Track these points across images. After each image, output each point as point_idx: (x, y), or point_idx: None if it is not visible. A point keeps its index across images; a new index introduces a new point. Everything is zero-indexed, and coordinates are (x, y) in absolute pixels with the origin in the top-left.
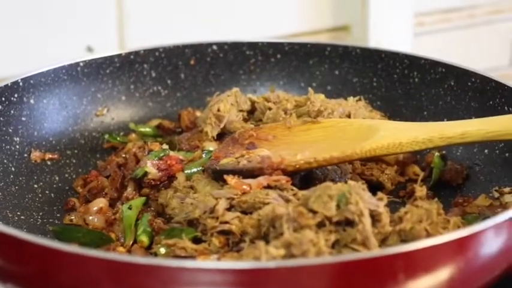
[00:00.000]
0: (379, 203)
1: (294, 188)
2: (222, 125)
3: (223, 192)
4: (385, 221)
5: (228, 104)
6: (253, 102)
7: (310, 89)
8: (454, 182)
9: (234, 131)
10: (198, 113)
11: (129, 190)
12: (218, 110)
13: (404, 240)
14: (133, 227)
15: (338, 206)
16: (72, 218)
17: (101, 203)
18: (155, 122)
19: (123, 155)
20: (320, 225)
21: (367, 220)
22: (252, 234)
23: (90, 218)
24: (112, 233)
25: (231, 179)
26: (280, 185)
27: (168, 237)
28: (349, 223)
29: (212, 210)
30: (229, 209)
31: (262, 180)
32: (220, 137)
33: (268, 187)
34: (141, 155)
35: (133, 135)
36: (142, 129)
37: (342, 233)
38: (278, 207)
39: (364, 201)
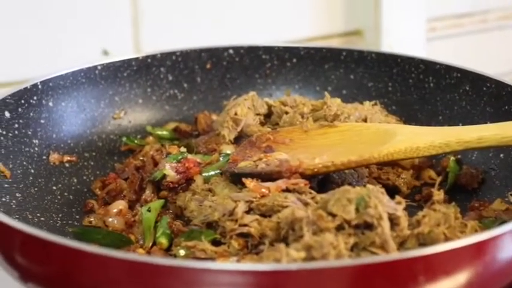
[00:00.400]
0: (398, 207)
1: (312, 191)
2: (239, 129)
3: (242, 195)
4: (403, 225)
5: (245, 108)
6: (270, 106)
7: (326, 93)
8: (470, 186)
9: (251, 135)
10: (214, 117)
11: (148, 192)
12: (235, 114)
13: (422, 244)
14: (152, 229)
15: (357, 210)
16: (91, 219)
17: (120, 205)
18: (172, 125)
19: (141, 158)
20: (339, 228)
21: (386, 223)
22: (271, 237)
23: (110, 219)
24: (131, 234)
25: (249, 182)
26: (299, 188)
27: (187, 239)
28: (368, 226)
29: (231, 213)
30: (248, 211)
31: (281, 183)
32: (237, 140)
33: (287, 190)
34: (159, 158)
35: (150, 138)
36: (159, 132)
37: (360, 236)
38: (298, 210)
39: (383, 205)
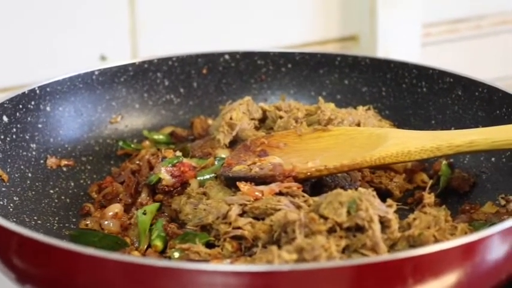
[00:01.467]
0: (389, 210)
1: (305, 194)
2: (234, 133)
3: (235, 199)
4: (394, 227)
5: (240, 113)
6: (264, 111)
7: (320, 98)
8: (461, 189)
9: (246, 139)
10: (210, 121)
11: (143, 196)
12: (231, 118)
13: (412, 246)
14: (147, 231)
15: (348, 213)
16: (87, 222)
17: (116, 208)
18: (168, 130)
19: (137, 162)
20: (331, 231)
21: (376, 226)
22: (264, 240)
23: (106, 222)
24: (127, 237)
25: (243, 186)
26: (292, 191)
27: (182, 242)
28: (359, 229)
29: (225, 216)
30: (242, 214)
31: (274, 187)
32: (232, 144)
33: (280, 194)
34: (154, 162)
35: (146, 143)
36: (155, 137)
37: (352, 238)
38: (290, 213)
39: (374, 208)
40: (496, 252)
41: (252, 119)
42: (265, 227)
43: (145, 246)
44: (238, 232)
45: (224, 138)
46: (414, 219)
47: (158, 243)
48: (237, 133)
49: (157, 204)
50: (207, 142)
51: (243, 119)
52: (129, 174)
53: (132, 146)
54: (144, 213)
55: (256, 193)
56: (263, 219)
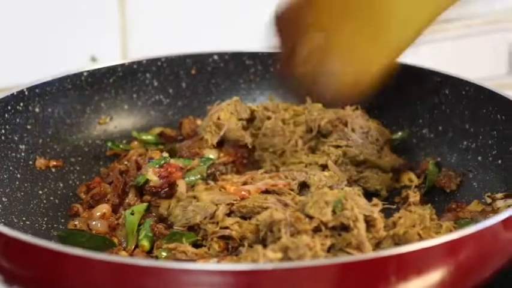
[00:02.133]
0: (374, 209)
1: (292, 192)
2: (221, 133)
3: (222, 198)
4: (379, 226)
5: (228, 113)
6: (252, 111)
7: (308, 98)
8: (448, 188)
9: (234, 139)
10: (198, 122)
11: (131, 196)
12: (218, 119)
13: (397, 244)
14: (135, 231)
15: (334, 212)
16: (76, 223)
17: (103, 208)
18: (157, 130)
19: (125, 162)
20: (316, 230)
21: (361, 225)
22: (251, 239)
23: (94, 223)
24: (114, 237)
25: (229, 186)
26: (278, 189)
27: (169, 242)
28: (345, 228)
29: (212, 215)
30: (229, 214)
31: (261, 185)
32: (220, 144)
33: (267, 192)
34: (142, 162)
35: (135, 143)
36: (144, 137)
37: (337, 237)
38: (276, 213)
39: (359, 207)
40: (478, 250)
41: (240, 119)
42: (252, 227)
43: (133, 246)
44: (226, 232)
45: (212, 138)
46: (399, 217)
47: (145, 243)
48: (224, 133)
49: (144, 205)
50: (195, 142)
51: (231, 119)
52: (117, 174)
53: (121, 146)
54: (132, 214)
55: (243, 192)
56: (250, 218)
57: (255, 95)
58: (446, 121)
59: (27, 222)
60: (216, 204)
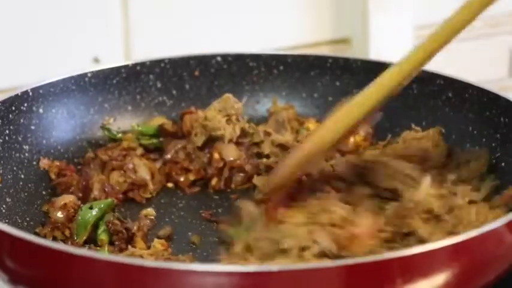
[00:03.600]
0: None
1: None
2: (207, 133)
3: None
4: None
5: (216, 111)
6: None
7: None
8: None
9: (220, 135)
10: (200, 113)
11: (96, 193)
12: (205, 118)
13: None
14: (90, 226)
15: None
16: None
17: (65, 199)
18: (159, 121)
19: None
20: None
21: None
22: None
23: (54, 212)
24: (67, 229)
25: None
26: None
27: None
28: None
29: None
30: None
31: None
32: (207, 143)
33: None
34: (118, 163)
35: (129, 135)
36: (142, 129)
37: None
38: None
39: None
40: (483, 252)
41: (227, 115)
42: None
43: (83, 240)
44: None
45: (197, 141)
46: None
47: (104, 238)
48: (209, 132)
49: (109, 201)
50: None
51: (216, 117)
52: (87, 168)
53: (118, 136)
54: (91, 208)
55: None
56: None
57: (258, 97)
58: (449, 123)
59: (31, 223)
60: None
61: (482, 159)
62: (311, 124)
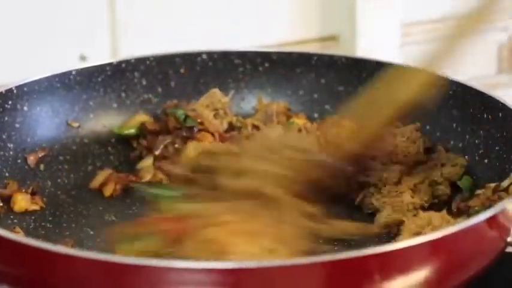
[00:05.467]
0: None
1: None
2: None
3: None
4: None
5: (203, 106)
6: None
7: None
8: None
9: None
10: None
11: None
12: (193, 110)
13: None
14: None
15: None
16: None
17: None
18: (139, 118)
19: None
20: None
21: None
22: None
23: None
24: None
25: None
26: None
27: None
28: None
29: None
30: None
31: None
32: None
33: None
34: None
35: None
36: (126, 132)
37: None
38: None
39: None
40: (463, 248)
41: (215, 109)
42: None
43: None
44: None
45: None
46: None
47: None
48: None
49: None
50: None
51: (204, 112)
52: None
53: (126, 132)
54: None
55: None
56: None
57: (243, 94)
58: (434, 119)
59: (15, 221)
60: None
61: (458, 166)
62: (299, 119)
